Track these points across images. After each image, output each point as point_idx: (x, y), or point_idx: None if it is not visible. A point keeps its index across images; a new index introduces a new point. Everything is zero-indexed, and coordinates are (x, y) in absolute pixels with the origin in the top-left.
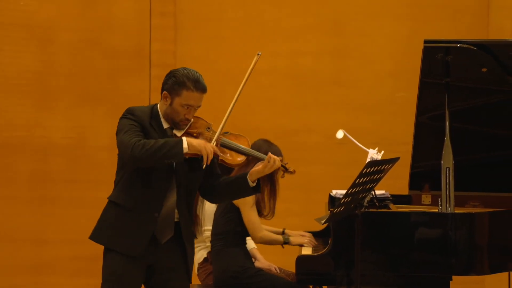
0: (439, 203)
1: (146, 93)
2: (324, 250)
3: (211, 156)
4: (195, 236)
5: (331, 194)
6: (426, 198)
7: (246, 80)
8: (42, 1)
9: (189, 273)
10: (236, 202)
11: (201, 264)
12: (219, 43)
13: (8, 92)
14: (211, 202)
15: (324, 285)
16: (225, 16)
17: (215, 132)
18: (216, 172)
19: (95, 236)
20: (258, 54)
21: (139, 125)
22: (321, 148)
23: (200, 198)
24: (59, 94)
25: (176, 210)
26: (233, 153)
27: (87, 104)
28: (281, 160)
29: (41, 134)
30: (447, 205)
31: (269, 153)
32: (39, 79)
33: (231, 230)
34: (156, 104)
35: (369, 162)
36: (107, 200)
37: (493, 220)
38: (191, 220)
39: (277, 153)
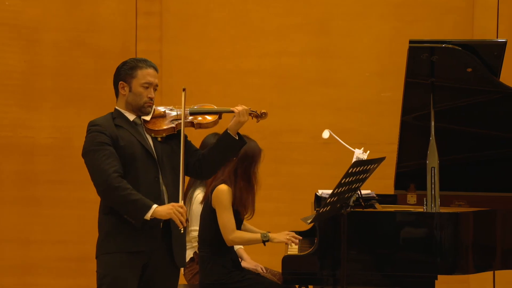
0: (425, 203)
1: None
2: (310, 250)
3: (183, 218)
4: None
5: (317, 193)
6: (412, 198)
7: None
8: (28, 1)
9: (175, 259)
10: (213, 204)
11: (187, 264)
12: (205, 43)
13: None
14: (203, 178)
15: (310, 284)
16: (211, 16)
17: (178, 109)
18: (194, 148)
19: (104, 250)
20: (184, 89)
21: (106, 136)
22: (307, 148)
23: (187, 199)
24: (44, 94)
25: (166, 195)
26: (204, 115)
27: (72, 104)
28: (250, 109)
29: (26, 134)
30: (433, 205)
31: (237, 106)
32: (24, 79)
33: (217, 237)
34: (112, 111)
35: (355, 162)
36: (92, 201)
37: (478, 220)
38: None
39: (254, 148)
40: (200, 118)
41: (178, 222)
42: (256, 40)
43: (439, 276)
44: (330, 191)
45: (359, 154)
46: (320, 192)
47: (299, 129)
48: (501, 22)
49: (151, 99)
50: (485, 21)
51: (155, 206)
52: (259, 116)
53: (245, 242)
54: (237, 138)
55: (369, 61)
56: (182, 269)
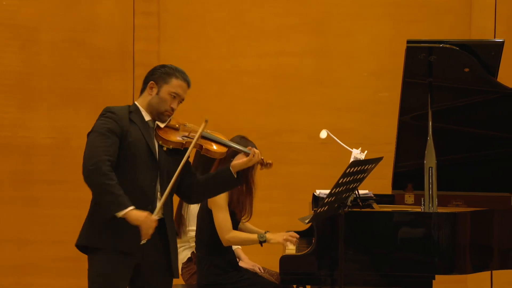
0: (422, 203)
1: (130, 93)
2: (308, 249)
3: (150, 231)
4: (177, 234)
5: (315, 193)
6: (409, 198)
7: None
8: (25, 1)
9: (172, 268)
10: (209, 205)
11: (185, 264)
12: (202, 43)
13: None
14: (190, 202)
15: (308, 284)
16: (209, 16)
17: (192, 126)
18: (192, 171)
19: (85, 239)
20: (206, 121)
21: (117, 125)
22: (305, 148)
23: None
24: (42, 94)
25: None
26: (215, 143)
27: (70, 104)
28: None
29: (24, 134)
30: (430, 205)
31: (250, 147)
32: (21, 79)
33: (213, 238)
34: (130, 104)
35: (352, 162)
36: (89, 200)
37: (475, 220)
38: (172, 215)
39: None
40: (212, 145)
41: (143, 232)
42: (254, 40)
43: (437, 276)
44: (328, 191)
45: (357, 154)
46: (318, 192)
47: (297, 129)
48: (499, 22)
49: (172, 109)
50: (483, 21)
51: (131, 208)
52: (264, 165)
53: (242, 242)
54: (236, 177)
55: (367, 61)
56: (180, 268)
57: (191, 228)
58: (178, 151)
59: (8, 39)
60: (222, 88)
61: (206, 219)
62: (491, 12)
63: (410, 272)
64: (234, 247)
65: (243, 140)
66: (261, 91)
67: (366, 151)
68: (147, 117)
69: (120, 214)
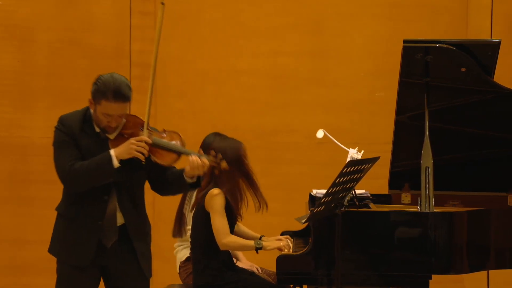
0: (419, 203)
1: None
2: (305, 249)
3: (145, 151)
4: (179, 233)
5: (312, 193)
6: (406, 198)
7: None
8: (21, 1)
9: (145, 270)
10: (206, 207)
11: (182, 263)
12: (198, 43)
13: None
14: (161, 195)
15: (305, 284)
16: (205, 16)
17: (146, 130)
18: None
19: (51, 249)
20: (162, 3)
21: (68, 136)
22: (301, 148)
23: (188, 197)
24: (38, 94)
25: (120, 214)
26: (164, 152)
27: (66, 104)
28: (216, 156)
29: (20, 134)
30: (427, 205)
31: (191, 156)
32: (18, 79)
33: (209, 239)
34: (88, 107)
35: (349, 161)
36: None
37: (472, 219)
38: (142, 217)
39: (234, 148)
40: (158, 154)
41: (140, 155)
42: (250, 40)
43: (433, 276)
44: (324, 191)
45: (354, 153)
46: (314, 192)
47: (293, 129)
48: (495, 22)
49: (110, 127)
50: (480, 21)
51: (111, 151)
52: (218, 166)
53: (239, 248)
54: (193, 181)
55: (363, 61)
56: (178, 268)
57: (191, 227)
58: (131, 159)
59: (4, 39)
60: (218, 88)
61: (202, 220)
62: (488, 12)
63: (407, 272)
64: None
65: (217, 137)
66: (258, 91)
67: (363, 151)
68: (97, 129)
69: (114, 162)
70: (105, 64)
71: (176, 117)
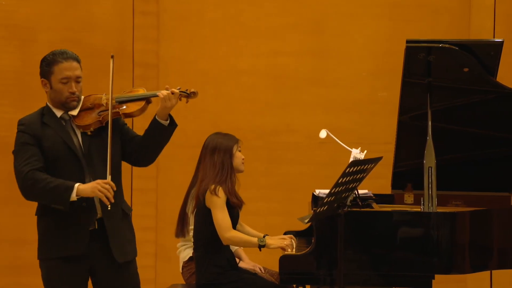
0: (422, 203)
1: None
2: (307, 249)
3: (109, 193)
4: (181, 233)
5: (314, 193)
6: (409, 198)
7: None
8: (22, 1)
9: (115, 254)
10: (207, 204)
11: (185, 263)
12: (199, 43)
13: None
14: (140, 165)
15: (307, 284)
16: (206, 16)
17: (104, 96)
18: (132, 135)
19: (41, 253)
20: (112, 56)
21: (29, 136)
22: (302, 148)
23: (190, 197)
24: (39, 94)
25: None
26: (131, 103)
27: None
28: (179, 89)
29: None
30: (430, 205)
31: (160, 92)
32: (18, 79)
33: (212, 237)
34: (45, 105)
35: (352, 161)
36: None
37: (474, 219)
38: (119, 193)
39: (232, 140)
40: (125, 107)
41: (103, 198)
42: (250, 40)
43: (436, 276)
44: (327, 191)
45: (356, 154)
46: (317, 191)
47: (294, 129)
48: (498, 22)
49: (72, 93)
50: (482, 20)
51: (77, 184)
52: (188, 96)
53: (241, 243)
54: (168, 123)
55: (364, 61)
56: (181, 267)
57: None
58: (102, 128)
59: (6, 39)
60: (219, 88)
61: (203, 218)
62: (490, 12)
63: (409, 271)
64: (235, 247)
65: (219, 136)
66: (258, 91)
67: (365, 151)
68: (58, 113)
69: (73, 196)
70: (106, 64)
71: (177, 117)
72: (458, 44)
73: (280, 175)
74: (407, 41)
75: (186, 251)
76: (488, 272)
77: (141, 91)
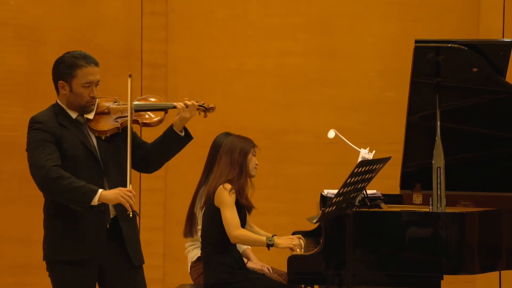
0: (430, 203)
1: (137, 93)
2: (316, 249)
3: (131, 201)
4: (190, 233)
5: (323, 193)
6: (418, 198)
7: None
8: (31, 1)
9: (130, 259)
10: (216, 203)
11: (194, 263)
12: (207, 43)
13: None
14: (148, 171)
15: (316, 284)
16: (213, 16)
17: (123, 103)
18: (140, 141)
19: (48, 254)
20: (130, 76)
21: (49, 134)
22: (310, 148)
23: (199, 197)
24: (47, 94)
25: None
26: (150, 112)
27: None
28: (198, 102)
29: None
30: (438, 205)
31: (178, 103)
32: (27, 79)
33: (220, 237)
34: (55, 103)
35: (360, 161)
36: None
37: (483, 220)
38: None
39: (250, 144)
40: (146, 116)
41: (126, 205)
42: (258, 40)
43: (445, 276)
44: (335, 191)
45: (365, 154)
46: (326, 192)
47: (301, 129)
48: (507, 21)
49: (93, 97)
50: (491, 20)
51: (101, 190)
52: (207, 110)
53: (250, 242)
54: (183, 134)
55: (371, 61)
56: (189, 267)
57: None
58: (117, 134)
59: (14, 39)
60: (226, 88)
61: (212, 217)
62: (500, 12)
63: (418, 272)
64: (243, 247)
65: (239, 138)
66: (266, 91)
67: (374, 151)
68: (73, 115)
69: (95, 200)
70: (115, 65)
71: None
72: (467, 44)
73: (288, 175)
74: (416, 41)
75: (194, 251)
76: (497, 272)
77: (155, 100)
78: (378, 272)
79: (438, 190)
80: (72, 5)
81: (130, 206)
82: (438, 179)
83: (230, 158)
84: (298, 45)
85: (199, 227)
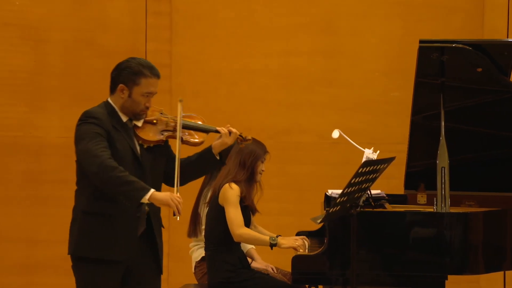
0: (435, 203)
1: None
2: (320, 249)
3: (180, 206)
4: (194, 233)
5: (327, 193)
6: (422, 198)
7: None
8: (35, 1)
9: (160, 266)
10: (221, 202)
11: (198, 263)
12: (212, 43)
13: (1, 92)
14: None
15: (320, 284)
16: (218, 16)
17: (169, 116)
18: (173, 155)
19: (77, 249)
20: (181, 101)
21: (103, 130)
22: (314, 148)
23: (203, 197)
24: (52, 94)
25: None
26: (194, 132)
27: (80, 104)
28: (238, 133)
29: (34, 134)
30: (443, 205)
31: (221, 128)
32: (32, 79)
33: (224, 236)
34: (106, 101)
35: (365, 161)
36: None
37: (488, 220)
38: (158, 209)
39: (263, 149)
40: (188, 135)
41: (174, 208)
42: (262, 40)
43: (449, 276)
44: (340, 191)
45: (369, 154)
46: (330, 192)
47: (305, 129)
48: None
49: (147, 107)
50: (495, 20)
51: (153, 189)
52: (244, 140)
53: (253, 241)
54: (219, 158)
55: (376, 61)
56: (193, 267)
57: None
58: (159, 146)
59: (18, 39)
60: (231, 88)
61: (216, 217)
62: (504, 12)
63: (422, 272)
64: (248, 247)
65: (254, 141)
66: (270, 90)
67: (378, 151)
68: (124, 118)
69: (146, 198)
70: None
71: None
72: (472, 44)
73: (292, 175)
74: (420, 41)
75: (198, 251)
76: (501, 272)
77: (199, 120)
78: (382, 272)
79: (443, 190)
80: (76, 5)
81: (178, 210)
82: (443, 179)
83: (240, 159)
84: (302, 45)
85: (203, 227)
